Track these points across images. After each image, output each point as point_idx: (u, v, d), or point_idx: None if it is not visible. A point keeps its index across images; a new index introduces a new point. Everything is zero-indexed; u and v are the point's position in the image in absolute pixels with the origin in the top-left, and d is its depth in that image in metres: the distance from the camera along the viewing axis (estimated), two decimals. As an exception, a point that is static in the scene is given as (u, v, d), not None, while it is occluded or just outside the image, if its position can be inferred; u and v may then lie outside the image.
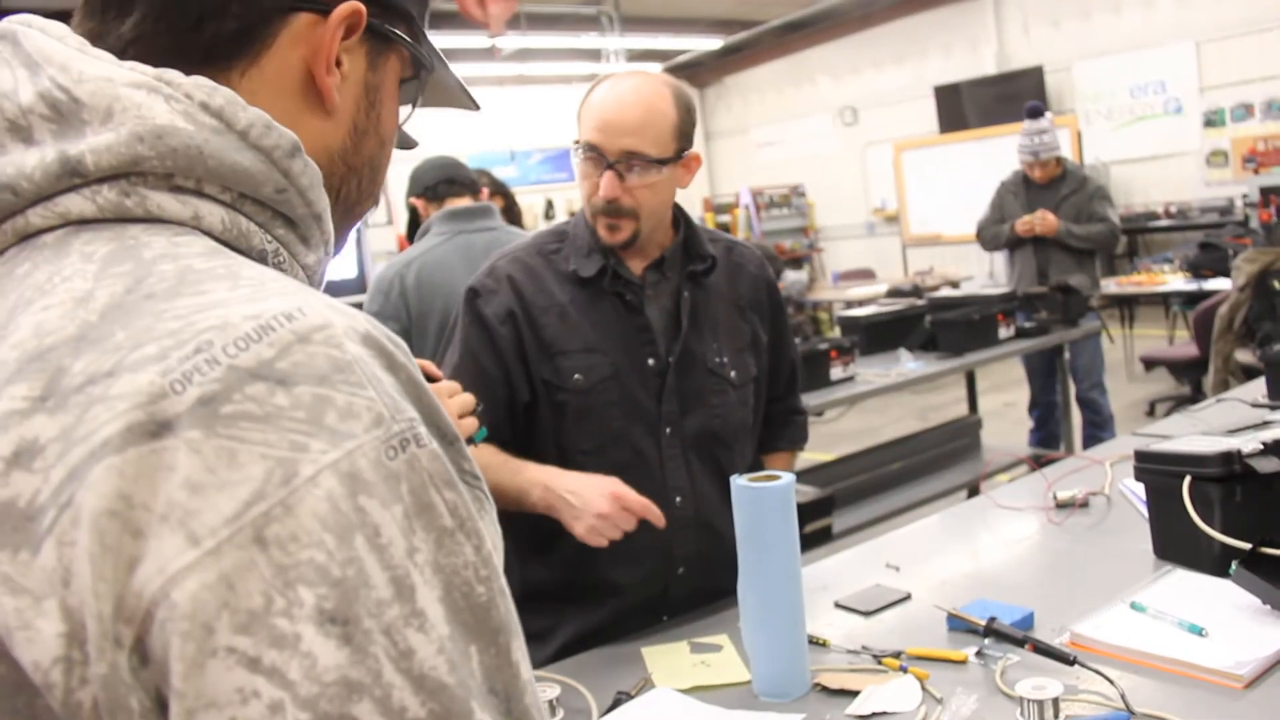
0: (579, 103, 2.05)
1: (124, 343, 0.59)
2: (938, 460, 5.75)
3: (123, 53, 0.71)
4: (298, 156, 0.72)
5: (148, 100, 0.67)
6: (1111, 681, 1.60)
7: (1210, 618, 1.77)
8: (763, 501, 1.68)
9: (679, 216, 2.16)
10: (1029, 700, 1.56)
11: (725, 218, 15.53)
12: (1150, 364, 7.83)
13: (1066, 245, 5.94)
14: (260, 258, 0.70)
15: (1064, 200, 6.06)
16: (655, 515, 1.87)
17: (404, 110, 0.90)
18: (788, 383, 2.38)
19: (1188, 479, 1.98)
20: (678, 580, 2.08)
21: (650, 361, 2.08)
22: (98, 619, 0.54)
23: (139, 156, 0.66)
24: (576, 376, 2.04)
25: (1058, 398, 6.07)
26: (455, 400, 1.68)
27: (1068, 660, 1.67)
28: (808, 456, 7.10)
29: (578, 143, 2.02)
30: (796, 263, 14.58)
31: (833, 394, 4.63)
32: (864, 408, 9.80)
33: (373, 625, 0.55)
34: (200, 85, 0.69)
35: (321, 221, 0.75)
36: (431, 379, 1.69)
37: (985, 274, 11.42)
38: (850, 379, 4.76)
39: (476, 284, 2.11)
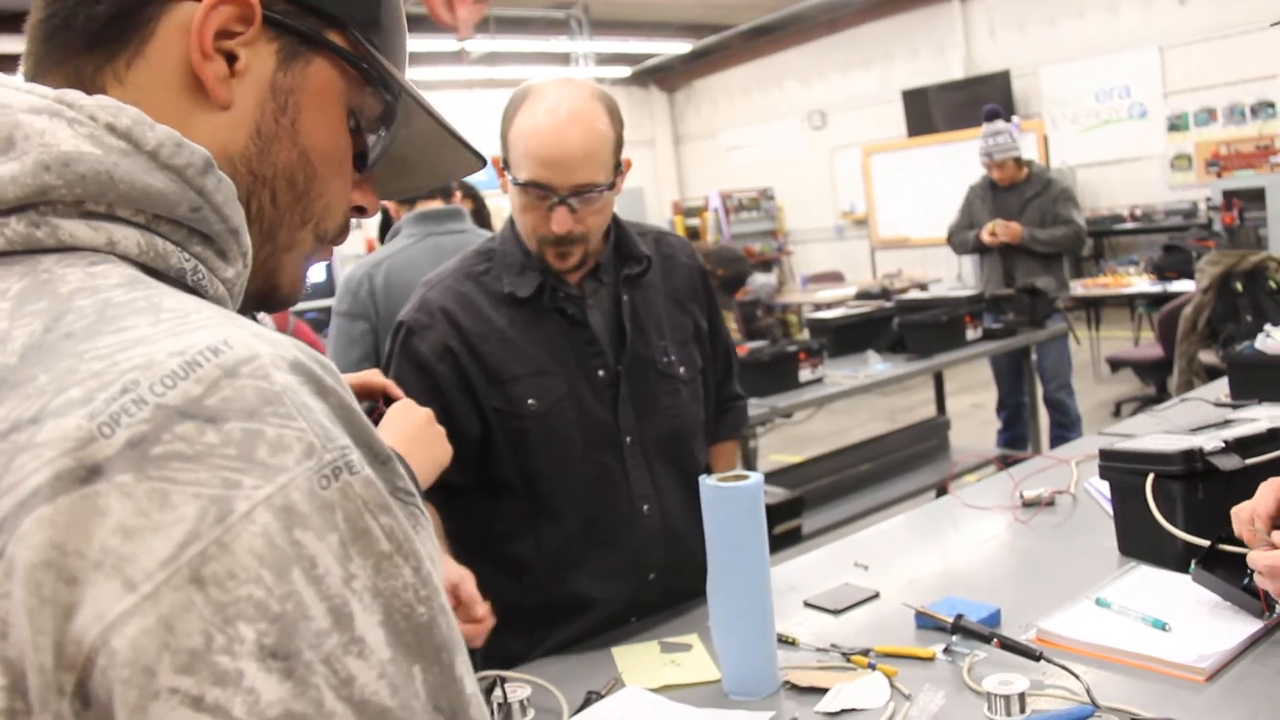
0: (503, 119, 1.96)
1: (47, 386, 0.57)
2: (906, 461, 5.79)
3: (33, 65, 0.70)
4: (210, 173, 0.69)
5: (50, 126, 0.65)
6: (1077, 676, 1.62)
7: (1173, 612, 1.79)
8: (732, 501, 1.69)
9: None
10: (996, 695, 1.57)
11: (694, 221, 15.57)
12: (1116, 365, 7.92)
13: (1032, 250, 6.01)
14: (179, 276, 0.69)
15: (1028, 203, 6.13)
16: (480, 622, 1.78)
17: (376, 143, 0.86)
18: (724, 369, 2.34)
19: (1151, 477, 2.01)
20: (648, 587, 2.07)
21: (600, 373, 2.04)
22: (39, 671, 0.54)
23: (46, 186, 0.63)
24: (531, 401, 1.99)
25: (1025, 399, 6.13)
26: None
27: (1034, 656, 1.69)
28: (777, 458, 7.13)
29: (508, 171, 1.94)
30: (766, 266, 14.63)
31: (801, 396, 4.65)
32: (833, 409, 9.84)
33: (313, 656, 0.55)
34: (105, 106, 0.67)
35: (239, 235, 0.73)
36: (393, 399, 1.68)
37: (954, 276, 11.51)
38: (819, 381, 4.79)
39: (409, 320, 2.04)
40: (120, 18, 0.71)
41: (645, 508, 2.07)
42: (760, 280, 10.93)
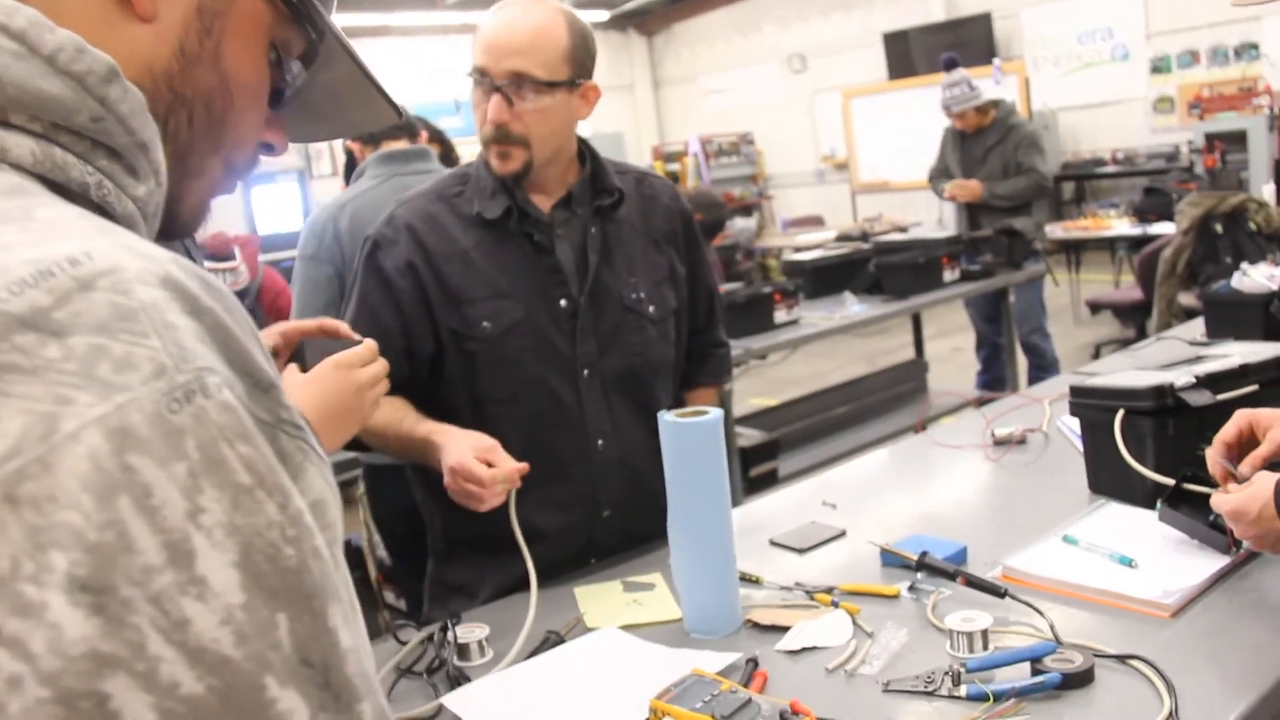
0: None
1: None
2: (884, 404, 5.78)
3: None
4: (115, 82, 0.65)
5: None
6: (1041, 613, 1.60)
7: (1141, 549, 1.77)
8: (691, 437, 1.65)
9: (585, 151, 2.08)
10: (958, 632, 1.55)
11: (674, 166, 15.45)
12: (1095, 308, 7.90)
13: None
14: (82, 190, 0.64)
15: (989, 151, 6.12)
16: (506, 479, 1.78)
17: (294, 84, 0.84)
18: (707, 315, 2.30)
19: (1120, 413, 1.98)
20: (603, 525, 2.04)
21: (562, 303, 2.01)
22: None
23: None
24: (485, 324, 1.97)
25: (1003, 340, 6.10)
26: (367, 370, 1.58)
27: (999, 593, 1.67)
28: (755, 401, 7.11)
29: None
30: (746, 210, 14.56)
31: (777, 337, 4.62)
32: (811, 352, 9.82)
33: (135, 594, 0.49)
34: None
35: (148, 150, 0.69)
36: (341, 336, 1.62)
37: (934, 220, 11.44)
38: (794, 322, 4.75)
39: (376, 235, 2.04)
40: None
41: (600, 442, 2.03)
42: (740, 225, 10.87)
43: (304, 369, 1.54)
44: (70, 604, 0.48)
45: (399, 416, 1.94)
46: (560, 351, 2.00)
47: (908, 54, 13.46)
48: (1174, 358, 2.29)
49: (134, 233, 0.63)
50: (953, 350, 8.51)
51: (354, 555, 4.02)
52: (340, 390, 1.53)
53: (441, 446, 1.82)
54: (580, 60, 1.96)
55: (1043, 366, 6.11)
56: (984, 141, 6.15)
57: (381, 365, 1.60)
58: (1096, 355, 7.77)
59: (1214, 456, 1.67)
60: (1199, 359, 2.17)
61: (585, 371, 2.02)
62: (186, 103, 0.74)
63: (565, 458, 2.01)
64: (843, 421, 5.48)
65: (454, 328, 1.99)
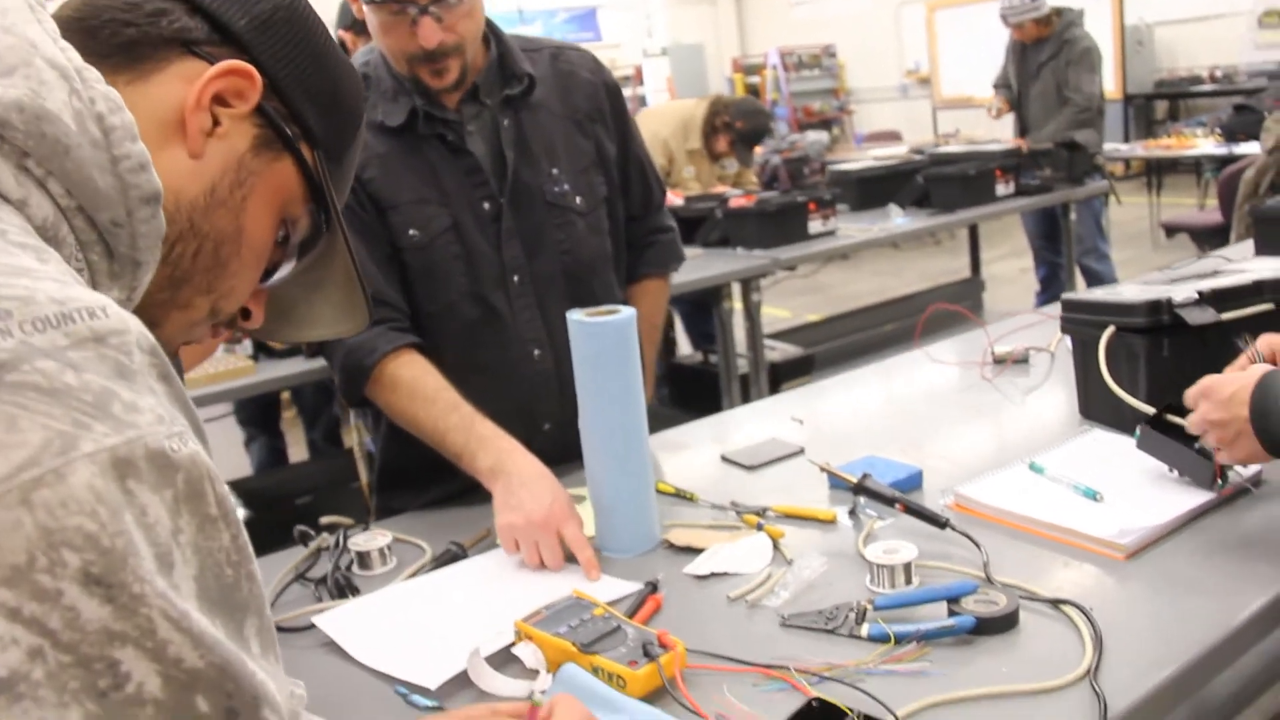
0: None
1: None
2: (936, 323, 5.53)
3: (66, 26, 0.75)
4: (152, 206, 0.73)
5: (54, 81, 0.69)
6: (978, 546, 1.43)
7: (1111, 483, 1.58)
8: (599, 338, 1.49)
9: (489, 33, 1.87)
10: (878, 565, 1.39)
11: (754, 79, 15.10)
12: (1171, 231, 7.49)
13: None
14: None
15: (1043, 66, 5.81)
16: (587, 564, 1.52)
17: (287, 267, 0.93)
18: (643, 197, 2.07)
19: (1109, 330, 1.78)
20: (543, 437, 1.85)
21: (485, 205, 1.83)
22: None
23: (7, 121, 0.66)
24: (412, 232, 1.80)
25: (1061, 260, 5.80)
26: None
27: (939, 523, 1.50)
28: (800, 318, 6.90)
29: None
30: (826, 125, 14.17)
31: (810, 248, 4.40)
32: (877, 269, 9.57)
33: (144, 590, 0.57)
34: (109, 98, 0.71)
35: (138, 271, 0.76)
36: None
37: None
38: (831, 233, 4.52)
39: None
40: (141, 44, 0.80)
41: (536, 352, 1.87)
42: (811, 138, 10.49)
43: None
44: (85, 594, 0.56)
45: (446, 396, 1.73)
46: (488, 258, 1.83)
47: (996, -37, 12.86)
48: (1192, 273, 2.06)
49: None
50: (1020, 271, 8.19)
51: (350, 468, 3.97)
52: None
53: (512, 477, 1.62)
54: None
55: (1103, 292, 5.81)
56: (1039, 55, 5.83)
57: None
58: (1169, 282, 7.44)
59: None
60: (1214, 273, 1.95)
61: (515, 278, 1.85)
62: (199, 237, 0.82)
63: (501, 371, 1.86)
64: (887, 340, 5.25)
65: (384, 237, 1.82)
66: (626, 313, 1.50)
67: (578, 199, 1.89)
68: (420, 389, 1.73)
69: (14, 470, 0.55)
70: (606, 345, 1.49)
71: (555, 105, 1.90)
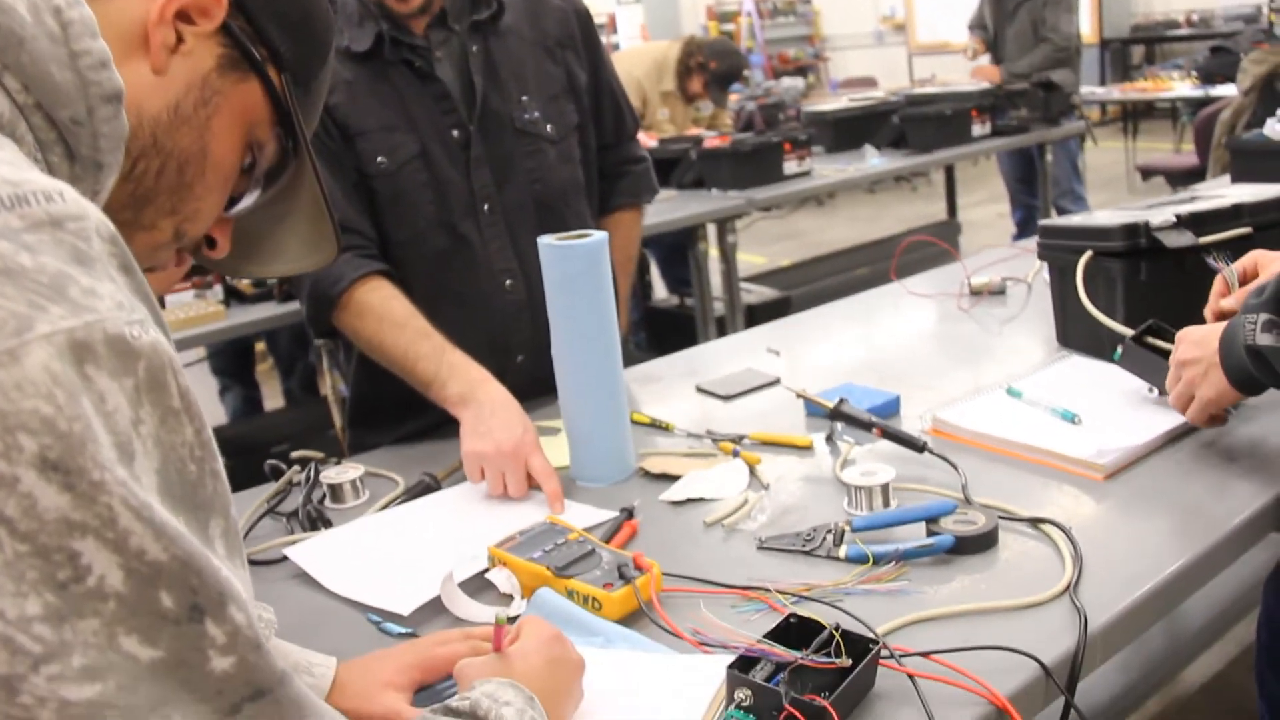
0: None
1: None
2: (910, 265, 5.52)
3: None
4: (113, 105, 0.71)
5: None
6: (955, 468, 1.41)
7: (1090, 406, 1.57)
8: (570, 261, 1.46)
9: None
10: (856, 488, 1.38)
11: (729, 26, 14.96)
12: (1147, 174, 7.49)
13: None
14: None
15: (1019, 7, 5.75)
16: (552, 495, 1.49)
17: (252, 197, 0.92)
18: (615, 125, 2.04)
19: (1087, 254, 1.76)
20: (516, 369, 1.83)
21: (454, 132, 1.79)
22: None
23: None
24: (380, 159, 1.76)
25: (1037, 202, 5.77)
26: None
27: (917, 446, 1.48)
28: (775, 264, 6.87)
29: None
30: (801, 72, 14.07)
31: (785, 189, 4.36)
32: (852, 215, 9.55)
33: (106, 478, 0.55)
34: None
35: (101, 173, 0.73)
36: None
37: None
38: (806, 174, 4.48)
39: None
40: None
41: (508, 282, 1.84)
42: (786, 84, 10.46)
43: None
44: (43, 480, 0.54)
45: (416, 323, 1.69)
46: (457, 186, 1.80)
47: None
48: (1166, 199, 2.05)
49: None
50: (997, 216, 8.18)
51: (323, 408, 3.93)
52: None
53: (480, 405, 1.59)
54: None
55: (1079, 233, 5.80)
56: None
57: None
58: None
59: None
60: (1192, 199, 1.93)
61: (485, 207, 1.82)
62: (163, 154, 0.80)
63: (473, 301, 1.83)
64: (864, 283, 5.21)
65: (351, 165, 1.77)
66: (598, 236, 1.47)
67: (548, 126, 1.85)
68: (389, 314, 1.69)
69: None
70: (578, 269, 1.46)
71: (525, 31, 1.86)
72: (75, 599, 0.55)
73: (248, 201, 0.92)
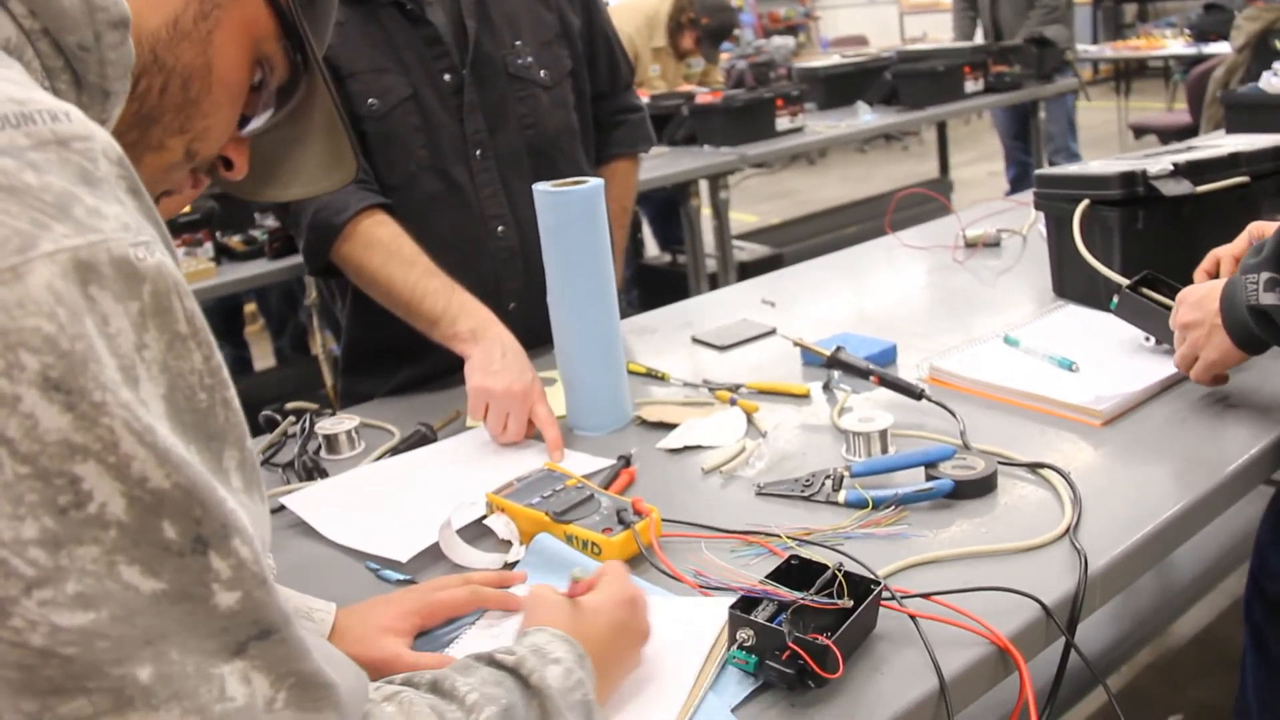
0: None
1: None
2: (902, 223, 5.51)
3: None
4: (120, 31, 0.70)
5: None
6: (954, 415, 1.41)
7: (1087, 354, 1.57)
8: (566, 207, 1.45)
9: None
10: (854, 434, 1.37)
11: (719, -17, 14.84)
12: (1140, 132, 7.47)
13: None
14: None
15: None
16: (552, 443, 1.48)
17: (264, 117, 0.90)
18: (609, 73, 2.02)
19: (1083, 203, 1.75)
20: (508, 318, 1.79)
21: (446, 77, 1.77)
22: None
23: None
24: (371, 101, 1.73)
25: (1030, 159, 5.76)
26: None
27: (914, 394, 1.48)
28: (764, 220, 6.85)
29: None
30: (791, 31, 13.97)
31: (777, 145, 4.34)
32: (844, 174, 9.52)
33: (108, 399, 0.54)
34: None
35: (108, 101, 0.72)
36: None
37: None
38: (799, 130, 4.46)
39: None
40: None
41: (500, 229, 1.82)
42: (777, 42, 10.38)
43: None
44: (45, 400, 0.53)
45: (422, 262, 1.66)
46: (449, 131, 1.78)
47: None
48: (1165, 149, 2.04)
49: None
50: (989, 175, 8.17)
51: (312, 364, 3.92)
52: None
53: (490, 347, 1.57)
54: None
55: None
56: None
57: None
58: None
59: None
60: (1189, 148, 1.92)
61: (477, 152, 1.80)
62: (164, 70, 0.77)
63: (464, 248, 1.81)
64: (856, 240, 5.20)
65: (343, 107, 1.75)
66: (594, 183, 1.46)
67: (541, 72, 1.83)
68: (398, 249, 1.67)
69: None
70: (574, 215, 1.45)
71: None
72: (74, 525, 0.54)
73: (261, 120, 0.90)
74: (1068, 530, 1.14)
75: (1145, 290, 1.58)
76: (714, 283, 4.35)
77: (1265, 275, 1.26)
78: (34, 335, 0.53)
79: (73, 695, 0.55)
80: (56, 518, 0.54)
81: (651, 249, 5.60)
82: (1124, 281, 1.60)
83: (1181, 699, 2.39)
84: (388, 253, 1.67)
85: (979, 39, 6.04)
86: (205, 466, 0.59)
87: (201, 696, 0.58)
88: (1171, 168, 1.72)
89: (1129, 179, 1.71)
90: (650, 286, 4.99)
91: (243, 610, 0.60)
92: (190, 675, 0.58)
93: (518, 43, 1.81)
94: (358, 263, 1.69)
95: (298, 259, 3.04)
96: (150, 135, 0.80)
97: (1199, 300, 1.39)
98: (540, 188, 1.47)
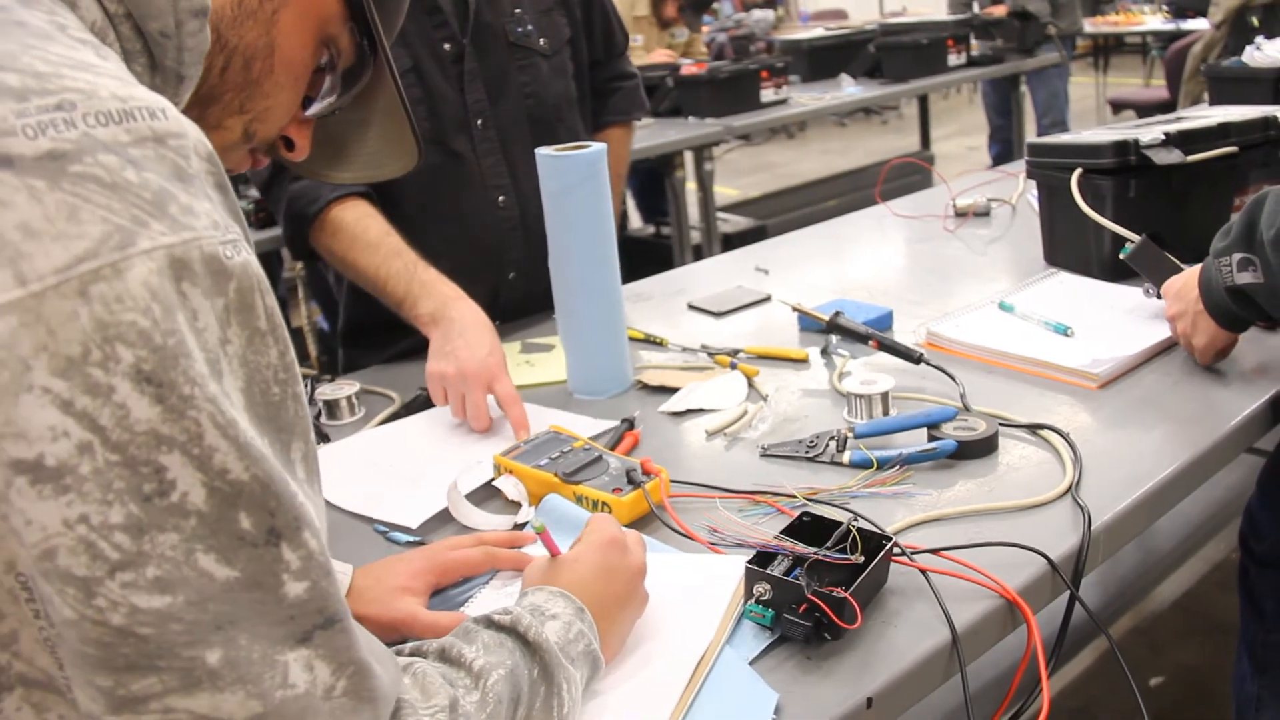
0: None
1: None
2: (889, 194, 5.53)
3: None
4: (199, 20, 0.71)
5: None
6: (953, 378, 1.43)
7: (1082, 319, 1.59)
8: (568, 172, 1.46)
9: None
10: (856, 396, 1.39)
11: (698, -45, 14.76)
12: (1118, 107, 7.51)
13: None
14: None
15: None
16: (516, 422, 1.43)
17: (327, 100, 0.89)
18: (605, 40, 2.02)
19: (1078, 171, 1.77)
20: (509, 286, 1.84)
21: (446, 46, 1.76)
22: None
23: None
24: None
25: (1013, 134, 5.78)
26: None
27: (913, 358, 1.50)
28: (746, 194, 6.86)
29: None
30: (771, 4, 13.93)
31: (762, 116, 4.34)
32: (824, 148, 9.54)
33: (195, 393, 0.57)
34: None
35: (181, 85, 0.74)
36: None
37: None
38: (783, 102, 4.46)
39: None
40: None
41: (501, 198, 1.82)
42: (756, 16, 10.35)
43: None
44: (136, 391, 0.55)
45: (391, 241, 1.65)
46: (450, 101, 1.77)
47: None
48: (1156, 120, 2.06)
49: None
50: (969, 149, 8.19)
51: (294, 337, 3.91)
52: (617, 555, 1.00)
53: (431, 338, 1.56)
54: None
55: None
56: None
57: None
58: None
59: None
60: (1178, 119, 1.94)
61: (479, 122, 1.79)
62: (226, 50, 0.78)
63: (466, 217, 1.81)
64: (839, 212, 5.22)
65: None
66: (597, 147, 1.47)
67: (541, 40, 1.83)
68: (362, 234, 1.66)
69: (73, 261, 0.54)
70: (577, 179, 1.45)
71: None
72: (158, 513, 0.57)
73: (326, 102, 0.90)
74: (1070, 488, 1.16)
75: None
76: (698, 254, 4.36)
77: (1237, 256, 1.31)
78: (130, 329, 0.55)
79: (145, 673, 0.58)
80: (141, 505, 0.56)
81: (635, 221, 5.60)
82: (1136, 238, 1.61)
83: (1164, 662, 2.43)
84: (352, 238, 1.66)
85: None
86: (276, 458, 0.62)
87: (265, 682, 0.61)
88: (1163, 137, 1.74)
89: (1122, 148, 1.73)
90: (634, 258, 4.95)
91: (310, 600, 0.63)
92: (256, 661, 0.61)
93: (517, 10, 1.81)
94: (328, 250, 1.70)
95: (277, 230, 3.03)
96: (209, 114, 0.80)
97: (1179, 291, 1.44)
98: (543, 152, 1.47)
